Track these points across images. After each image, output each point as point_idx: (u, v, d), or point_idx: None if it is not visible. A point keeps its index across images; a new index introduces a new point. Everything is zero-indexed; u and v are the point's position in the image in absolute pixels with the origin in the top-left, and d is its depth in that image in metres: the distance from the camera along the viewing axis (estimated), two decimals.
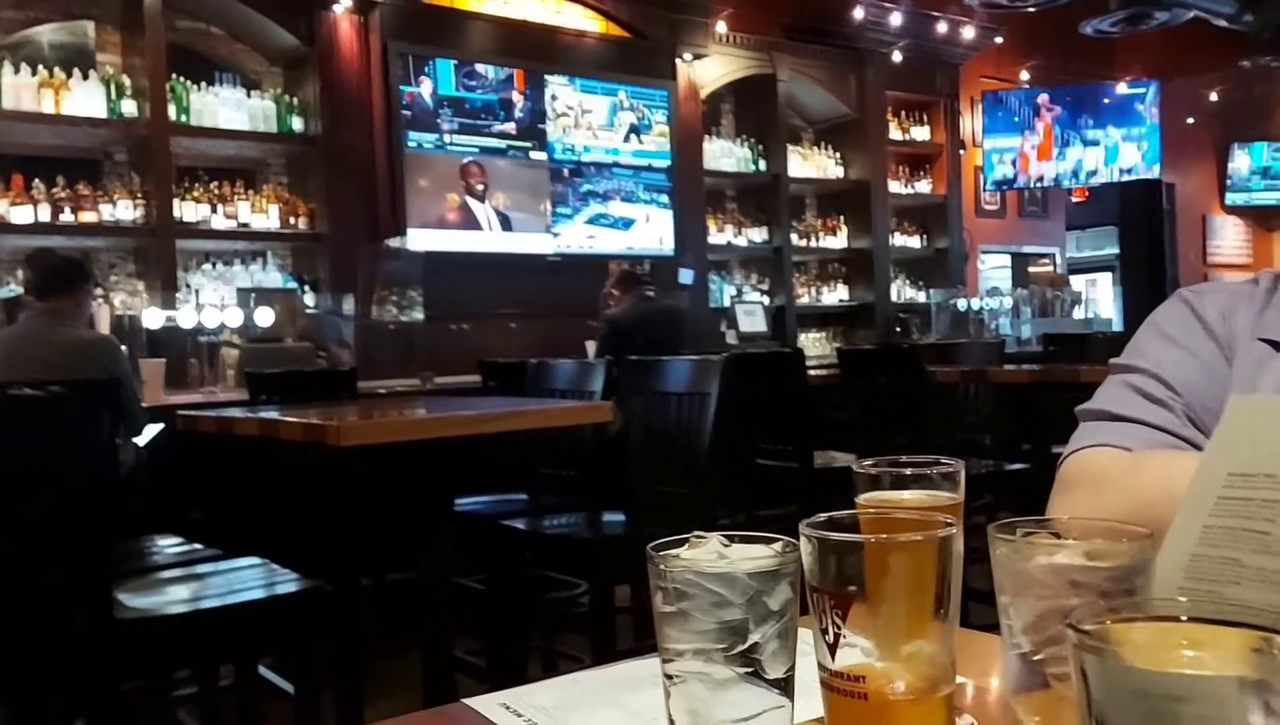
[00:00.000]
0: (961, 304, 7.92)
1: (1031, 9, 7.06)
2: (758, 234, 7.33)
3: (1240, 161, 9.67)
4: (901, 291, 8.19)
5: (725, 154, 7.16)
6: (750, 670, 0.56)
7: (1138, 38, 8.23)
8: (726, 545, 0.59)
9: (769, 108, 7.24)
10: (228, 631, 2.18)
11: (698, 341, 4.23)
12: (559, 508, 3.01)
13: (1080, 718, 0.42)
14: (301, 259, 5.60)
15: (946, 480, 0.76)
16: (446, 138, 5.74)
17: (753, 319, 6.86)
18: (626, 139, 6.41)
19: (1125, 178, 8.33)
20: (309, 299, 5.39)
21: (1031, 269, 9.33)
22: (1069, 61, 8.59)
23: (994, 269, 9.13)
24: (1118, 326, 7.71)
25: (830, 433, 4.05)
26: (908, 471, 0.75)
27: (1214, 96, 9.22)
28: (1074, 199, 9.12)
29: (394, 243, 5.52)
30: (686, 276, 6.48)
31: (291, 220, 5.43)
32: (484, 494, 3.28)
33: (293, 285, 5.40)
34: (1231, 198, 9.87)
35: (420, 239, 5.58)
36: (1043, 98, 8.53)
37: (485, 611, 2.94)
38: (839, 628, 0.52)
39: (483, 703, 0.80)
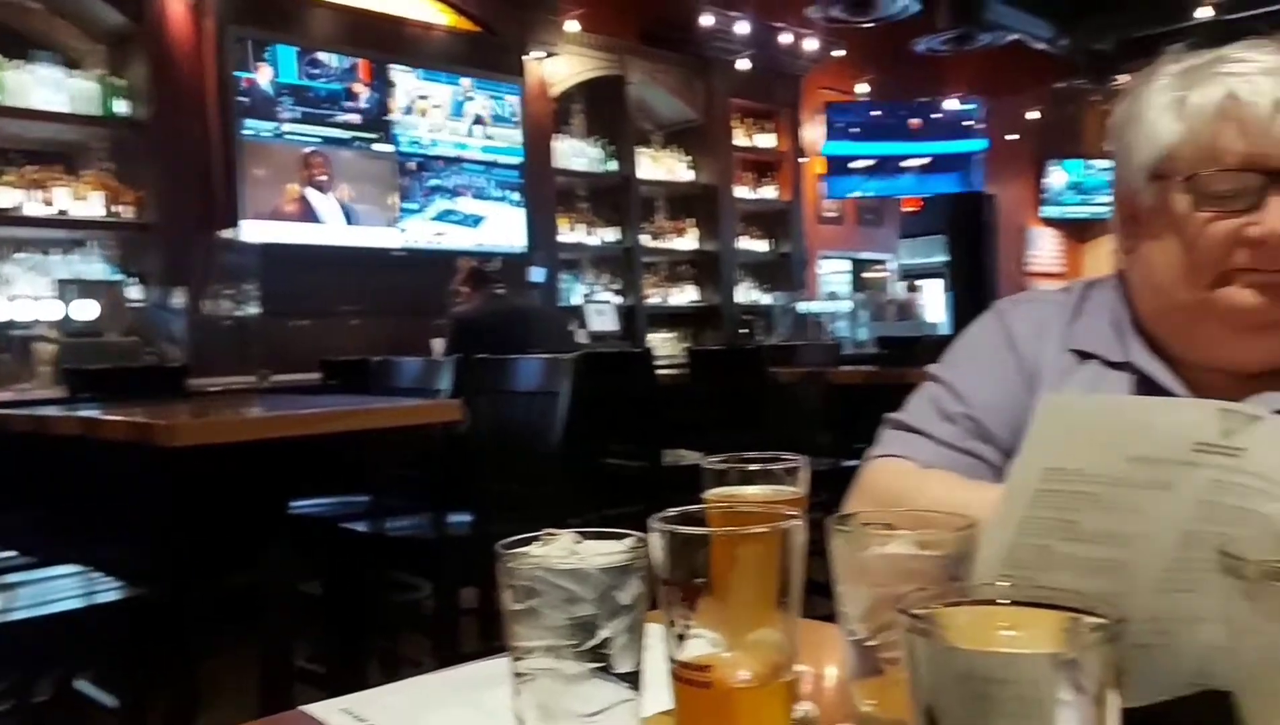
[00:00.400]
0: (803, 307, 8.19)
1: (868, 24, 7.37)
2: (609, 234, 7.38)
3: (1055, 177, 10.34)
4: (747, 293, 8.40)
5: (577, 153, 7.18)
6: (600, 665, 0.56)
7: (965, 57, 8.71)
8: (579, 542, 0.60)
9: (619, 109, 7.30)
10: (39, 644, 2.04)
11: (548, 341, 4.22)
12: (403, 509, 2.94)
13: (910, 699, 0.44)
14: (128, 250, 5.28)
15: (790, 475, 0.78)
16: (286, 126, 5.53)
17: (603, 318, 6.90)
18: (471, 132, 6.34)
19: (953, 190, 8.80)
20: (136, 292, 5.09)
21: (867, 274, 9.73)
22: (903, 77, 9.00)
23: (833, 274, 9.47)
24: (946, 330, 8.13)
25: (678, 431, 4.11)
26: (753, 468, 0.78)
27: (1032, 115, 9.83)
28: (906, 209, 9.55)
29: (227, 234, 5.28)
30: (538, 275, 6.47)
31: (116, 208, 5.11)
32: (324, 496, 3.18)
33: (118, 277, 5.09)
34: (1047, 211, 10.55)
35: (256, 230, 5.36)
36: (876, 113, 8.90)
37: (325, 616, 2.86)
38: (687, 620, 0.53)
39: (322, 709, 0.78)
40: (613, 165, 7.33)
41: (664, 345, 7.52)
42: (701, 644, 0.54)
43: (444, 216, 6.20)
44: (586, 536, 0.60)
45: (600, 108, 7.39)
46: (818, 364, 4.58)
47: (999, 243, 9.57)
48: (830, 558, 0.66)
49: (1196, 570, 0.57)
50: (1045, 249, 10.77)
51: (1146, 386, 0.97)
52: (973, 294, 6.96)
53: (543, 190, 6.73)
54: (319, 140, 5.66)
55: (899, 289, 9.55)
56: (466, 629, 2.63)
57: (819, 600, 0.67)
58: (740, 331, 7.95)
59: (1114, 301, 1.04)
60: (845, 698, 0.66)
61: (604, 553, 0.58)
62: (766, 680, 0.52)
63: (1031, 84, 9.41)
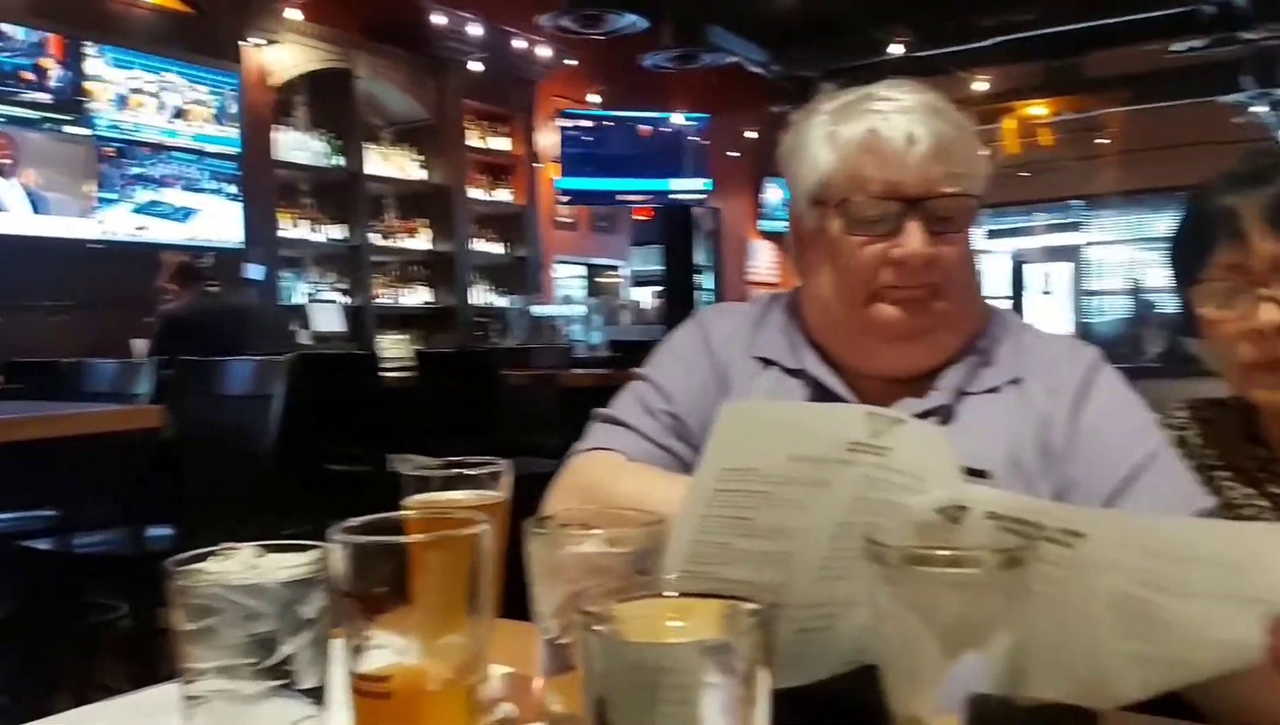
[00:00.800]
0: (538, 310, 8.25)
1: (598, 37, 7.53)
2: (335, 231, 7.09)
3: (771, 193, 11.02)
4: (483, 296, 8.35)
5: (300, 146, 6.85)
6: (282, 683, 0.55)
7: (690, 75, 9.09)
8: (260, 556, 0.58)
9: (346, 103, 7.03)
10: None
11: (265, 341, 4.00)
12: (97, 524, 2.69)
13: (583, 691, 0.46)
14: None
15: (493, 480, 0.79)
16: None
17: (328, 318, 6.63)
18: (180, 119, 5.89)
19: (681, 200, 9.17)
20: None
21: (600, 279, 9.94)
22: (633, 90, 9.28)
23: (568, 278, 9.61)
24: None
25: (407, 436, 4.02)
26: (455, 473, 0.78)
27: (751, 134, 10.42)
28: (637, 217, 9.85)
29: None
30: (255, 272, 6.11)
31: None
32: (5, 512, 2.85)
33: None
34: (764, 225, 11.23)
35: None
36: (609, 123, 9.12)
37: (12, 643, 2.57)
38: (366, 631, 0.52)
39: None
40: (339, 160, 7.06)
41: (395, 347, 7.32)
42: (385, 654, 0.53)
43: (148, 208, 5.72)
44: (270, 549, 0.58)
45: (326, 101, 7.09)
46: (550, 367, 4.64)
47: (724, 253, 10.10)
48: (526, 558, 0.67)
49: (850, 559, 0.63)
50: (763, 260, 11.44)
51: (819, 391, 1.06)
52: (682, 300, 7.30)
53: (262, 183, 6.37)
54: (2, 121, 5.07)
55: (631, 294, 9.84)
56: (166, 650, 2.44)
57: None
58: (476, 334, 7.90)
59: (790, 314, 1.14)
60: (539, 696, 0.68)
61: (285, 566, 0.56)
62: (450, 686, 0.53)
63: (751, 104, 9.97)
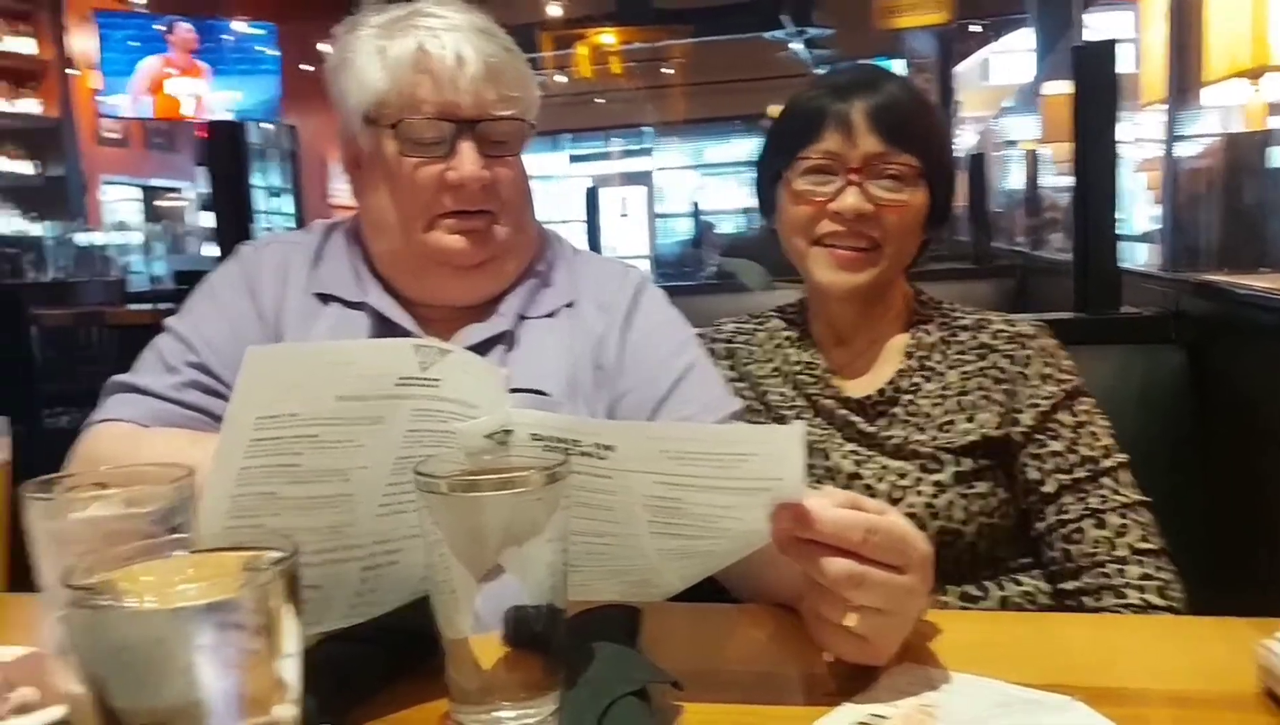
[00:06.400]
0: (83, 238, 7.29)
1: None
2: None
3: None
4: (9, 222, 7.21)
5: None
6: None
7: None
8: None
9: None
10: None
11: None
12: None
13: (76, 672, 0.41)
14: None
15: None
16: None
17: None
18: None
19: (254, 115, 8.50)
20: None
21: (161, 202, 9.01)
22: None
23: (121, 201, 8.59)
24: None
25: None
26: None
27: (327, 47, 9.88)
28: (201, 135, 9.00)
29: None
30: None
31: None
32: None
33: None
34: None
35: None
36: (185, 29, 8.18)
37: None
38: None
39: None
40: None
41: None
42: None
43: None
44: None
45: None
46: (98, 303, 4.13)
47: (302, 173, 9.52)
48: (26, 529, 0.59)
49: (408, 492, 0.62)
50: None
51: (383, 324, 1.03)
52: (236, 227, 6.85)
53: None
54: None
55: (200, 219, 9.02)
56: None
57: None
58: (3, 267, 6.82)
59: (352, 243, 1.09)
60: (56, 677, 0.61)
61: None
62: None
63: (325, 14, 9.42)
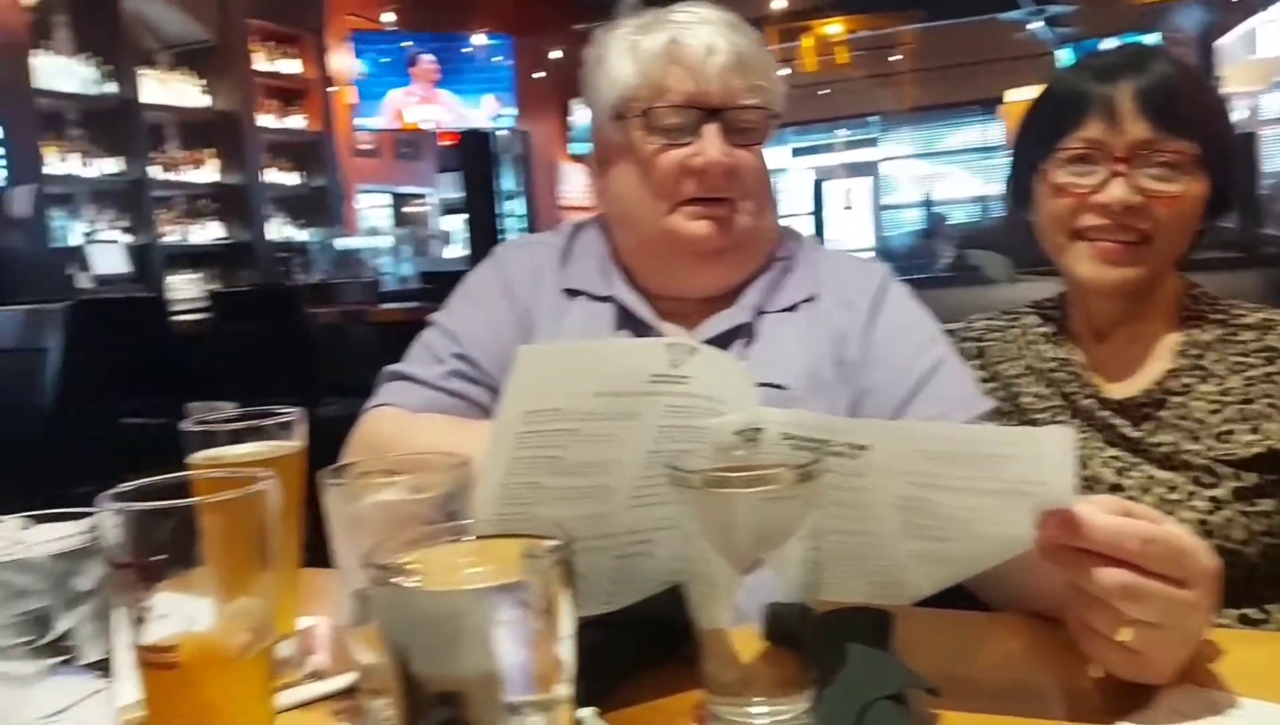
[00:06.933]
0: (342, 243, 7.92)
1: None
2: (110, 164, 6.54)
3: (579, 115, 10.94)
4: (281, 230, 7.94)
5: (63, 72, 6.23)
6: (63, 659, 0.51)
7: None
8: (26, 528, 0.53)
9: (112, 23, 6.44)
10: None
11: (35, 288, 3.68)
12: None
13: (383, 642, 0.45)
14: None
15: (285, 430, 0.76)
16: None
17: (110, 259, 6.15)
18: None
19: (489, 124, 8.95)
20: None
21: (407, 208, 9.64)
22: (431, 9, 8.92)
23: (373, 208, 9.27)
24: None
25: (208, 382, 3.82)
26: (243, 426, 0.74)
27: (556, 54, 10.27)
28: (442, 143, 9.57)
29: None
30: (21, 209, 5.56)
31: None
32: None
33: None
34: (574, 147, 11.16)
35: None
36: (428, 61, 8.75)
37: None
38: (148, 600, 0.50)
39: None
40: (110, 87, 6.48)
41: (189, 287, 6.88)
42: (172, 623, 0.50)
43: None
44: (38, 520, 0.54)
45: (89, 20, 6.46)
46: (358, 302, 4.48)
47: (535, 177, 9.95)
48: (325, 512, 0.65)
49: (660, 485, 0.64)
50: (576, 184, 11.39)
51: (626, 316, 1.07)
52: (486, 228, 7.17)
53: (21, 114, 5.78)
54: None
55: (441, 223, 9.59)
56: None
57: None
58: (279, 270, 7.52)
59: (598, 239, 1.14)
60: (346, 647, 0.66)
61: (55, 538, 0.52)
62: (243, 652, 0.51)
63: (556, 24, 9.79)
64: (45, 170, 6.01)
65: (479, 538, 0.51)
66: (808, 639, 0.60)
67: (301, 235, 8.05)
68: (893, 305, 1.06)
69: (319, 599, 0.77)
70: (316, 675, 0.72)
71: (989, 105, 11.30)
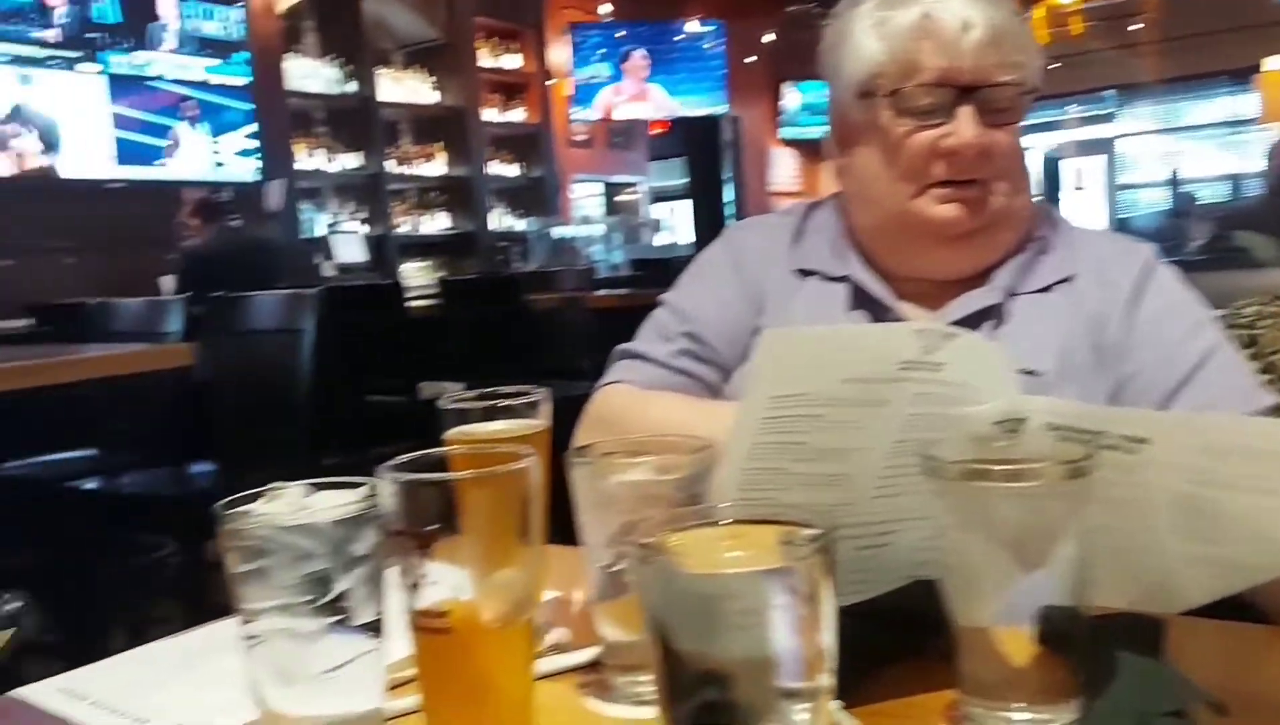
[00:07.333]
0: (558, 232, 8.18)
1: None
2: (351, 160, 7.03)
3: (790, 98, 10.80)
4: (501, 220, 8.29)
5: (310, 73, 6.75)
6: (338, 619, 0.55)
7: None
8: (309, 495, 0.57)
9: (354, 26, 6.91)
10: None
11: (289, 275, 4.01)
12: (138, 463, 2.73)
13: (644, 620, 0.45)
14: None
15: (532, 409, 0.78)
16: None
17: (351, 249, 6.62)
18: (189, 52, 5.82)
19: (697, 111, 9.00)
20: None
21: (619, 197, 9.83)
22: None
23: (586, 197, 9.51)
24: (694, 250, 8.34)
25: (437, 364, 4.05)
26: (494, 404, 0.77)
27: (769, 38, 10.18)
28: (653, 131, 9.69)
29: None
30: (275, 203, 6.07)
31: None
32: (44, 454, 2.89)
33: None
34: (784, 132, 11.03)
35: None
36: (639, 57, 8.90)
37: (56, 585, 2.63)
38: (423, 567, 0.52)
39: (38, 691, 0.71)
40: (352, 86, 6.95)
41: (418, 275, 7.31)
42: (440, 589, 0.53)
43: (159, 146, 5.68)
44: (317, 488, 0.57)
45: (334, 25, 6.96)
46: (574, 289, 4.62)
47: (744, 163, 9.93)
48: (572, 489, 0.67)
49: (906, 475, 0.62)
50: (785, 168, 11.27)
51: (861, 297, 1.04)
52: (712, 214, 7.18)
53: (275, 114, 6.30)
54: (7, 59, 5.03)
55: (651, 211, 9.73)
56: (217, 584, 2.49)
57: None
58: (497, 259, 7.86)
59: (833, 220, 1.11)
60: (590, 621, 0.68)
61: (335, 504, 0.55)
62: (507, 621, 0.52)
63: (767, 7, 9.71)
64: (296, 166, 6.53)
65: (738, 523, 0.50)
66: (1078, 644, 0.56)
67: (520, 225, 8.37)
68: (1159, 286, 0.98)
69: (564, 574, 0.79)
70: (558, 648, 0.74)
71: (1241, 75, 10.30)
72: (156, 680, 0.72)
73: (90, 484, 2.63)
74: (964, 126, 0.95)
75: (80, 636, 2.54)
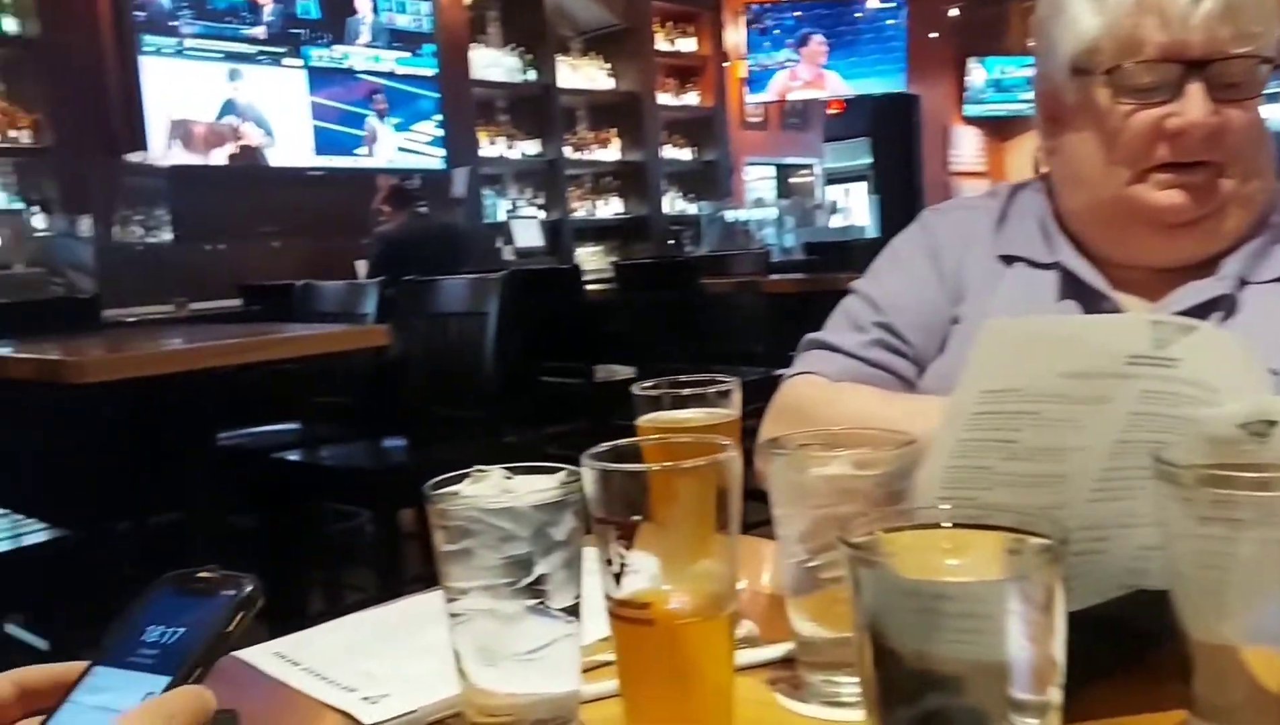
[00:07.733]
0: (730, 215, 8.15)
1: None
2: (530, 146, 7.22)
3: (976, 75, 10.37)
4: (674, 204, 8.32)
5: (493, 63, 6.96)
6: (538, 601, 0.55)
7: None
8: (509, 478, 0.58)
9: (536, 15, 7.07)
10: None
11: (472, 259, 4.15)
12: (335, 437, 2.89)
13: (855, 621, 0.43)
14: (26, 176, 5.01)
15: (723, 398, 0.77)
16: (187, 42, 5.27)
17: (529, 234, 6.80)
18: (382, 44, 6.10)
19: (876, 90, 8.76)
20: (39, 220, 4.85)
21: (792, 180, 9.70)
22: None
23: (759, 180, 9.42)
24: (873, 233, 8.17)
25: (611, 346, 4.10)
26: (686, 392, 0.76)
27: (953, 13, 9.80)
28: (830, 111, 9.50)
29: (134, 157, 5.04)
30: (460, 190, 6.31)
31: (12, 133, 4.84)
32: (251, 427, 3.11)
33: (18, 205, 4.84)
34: (969, 109, 10.60)
35: (165, 152, 5.13)
36: (818, 42, 8.74)
37: (261, 550, 2.82)
38: (623, 556, 0.52)
39: (255, 654, 0.76)
40: (532, 75, 7.13)
41: (592, 259, 7.44)
42: (640, 579, 0.52)
43: (353, 127, 5.99)
44: (517, 472, 0.58)
45: (517, 14, 7.15)
46: (747, 273, 4.58)
47: (923, 143, 9.62)
48: (769, 482, 0.65)
49: (1129, 478, 0.58)
50: (968, 148, 10.84)
51: (1073, 285, 0.97)
52: (900, 196, 6.94)
53: (461, 103, 6.54)
54: (221, 55, 5.41)
55: (825, 193, 9.55)
56: (409, 553, 2.62)
57: (752, 507, 0.66)
58: (669, 242, 7.90)
59: (1040, 203, 1.04)
60: (781, 614, 0.66)
61: (536, 489, 0.56)
62: (709, 614, 0.51)
63: None
64: (479, 153, 6.75)
65: (957, 526, 0.48)
66: None
67: (692, 209, 8.38)
68: None
69: (751, 567, 0.77)
70: (749, 641, 0.73)
71: None
72: (360, 650, 0.75)
73: (293, 456, 2.80)
74: (1191, 105, 0.87)
75: (284, 599, 2.72)
